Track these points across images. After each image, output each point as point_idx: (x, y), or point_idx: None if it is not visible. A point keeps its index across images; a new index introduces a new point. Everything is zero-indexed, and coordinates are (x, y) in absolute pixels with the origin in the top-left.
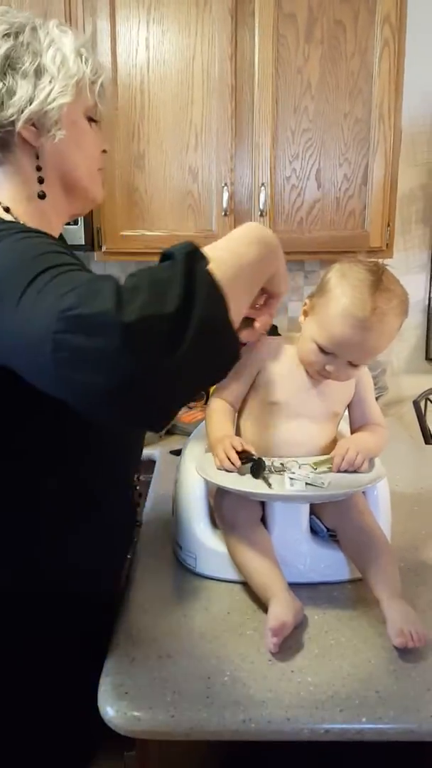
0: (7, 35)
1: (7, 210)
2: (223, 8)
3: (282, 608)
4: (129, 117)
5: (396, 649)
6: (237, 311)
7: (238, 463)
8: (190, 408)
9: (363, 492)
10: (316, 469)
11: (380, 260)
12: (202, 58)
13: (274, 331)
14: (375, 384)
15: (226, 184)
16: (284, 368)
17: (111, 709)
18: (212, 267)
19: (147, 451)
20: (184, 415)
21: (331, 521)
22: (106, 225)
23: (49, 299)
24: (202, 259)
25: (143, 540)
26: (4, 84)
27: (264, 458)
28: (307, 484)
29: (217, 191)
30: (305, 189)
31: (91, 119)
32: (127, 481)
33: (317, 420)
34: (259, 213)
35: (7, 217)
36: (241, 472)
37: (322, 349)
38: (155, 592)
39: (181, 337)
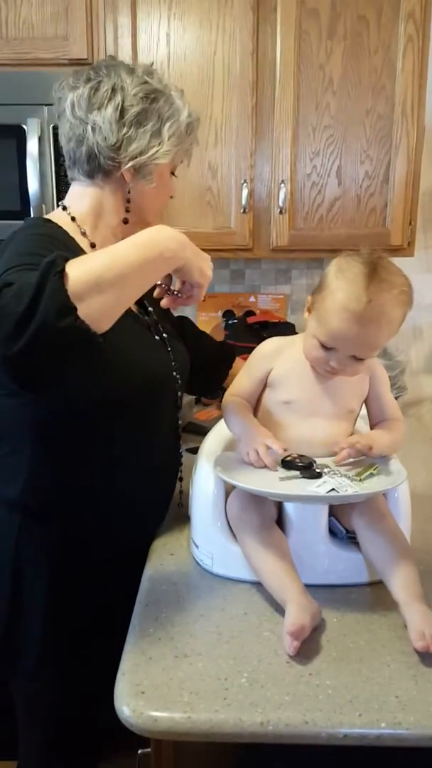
0: (146, 97)
1: (73, 219)
2: (244, 3)
3: (300, 611)
4: None
5: (417, 652)
6: (109, 301)
7: (273, 467)
8: (206, 405)
9: (383, 494)
10: (360, 479)
11: (382, 254)
12: (223, 54)
13: (291, 330)
14: (394, 384)
15: (245, 181)
16: (296, 367)
17: (127, 709)
18: (71, 271)
19: None
20: (200, 413)
21: (350, 523)
22: None
23: None
24: (57, 266)
25: (159, 538)
26: (128, 134)
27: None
28: (332, 489)
29: (236, 188)
30: (326, 186)
31: (172, 173)
32: (172, 429)
33: (333, 418)
34: (279, 210)
35: (68, 224)
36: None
37: (323, 345)
38: (171, 590)
39: (22, 332)
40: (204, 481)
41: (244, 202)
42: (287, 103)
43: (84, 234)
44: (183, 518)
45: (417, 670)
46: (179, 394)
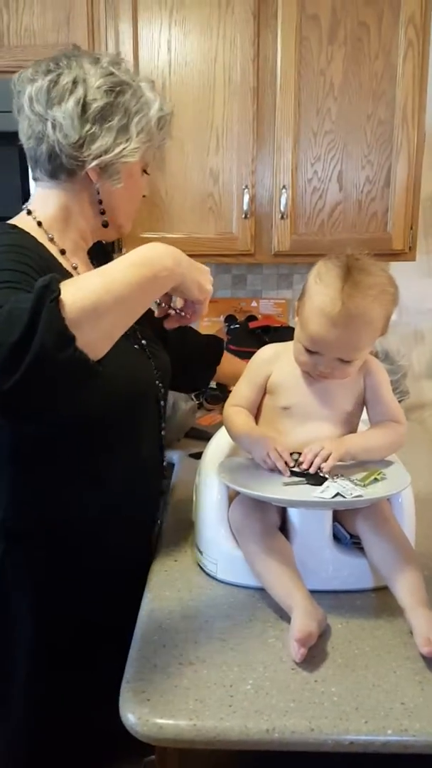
0: (111, 90)
1: (39, 224)
2: (245, 10)
3: (306, 617)
4: None
5: (423, 658)
6: (108, 327)
7: (287, 472)
8: (209, 411)
9: (387, 499)
10: (363, 484)
11: (360, 256)
12: (224, 60)
13: (293, 334)
14: (396, 388)
15: (246, 187)
16: (293, 372)
17: (132, 716)
18: (66, 297)
19: (166, 454)
20: (202, 418)
21: (355, 528)
22: None
23: None
24: (53, 292)
25: (163, 544)
26: (91, 130)
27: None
28: (337, 494)
29: (237, 194)
30: (327, 191)
31: (144, 171)
32: (156, 439)
33: (332, 420)
34: (280, 215)
35: (34, 229)
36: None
37: (307, 350)
38: (176, 597)
39: (18, 365)
40: (208, 488)
41: (245, 207)
42: (288, 109)
43: (52, 240)
44: (186, 524)
45: (423, 676)
46: (162, 403)
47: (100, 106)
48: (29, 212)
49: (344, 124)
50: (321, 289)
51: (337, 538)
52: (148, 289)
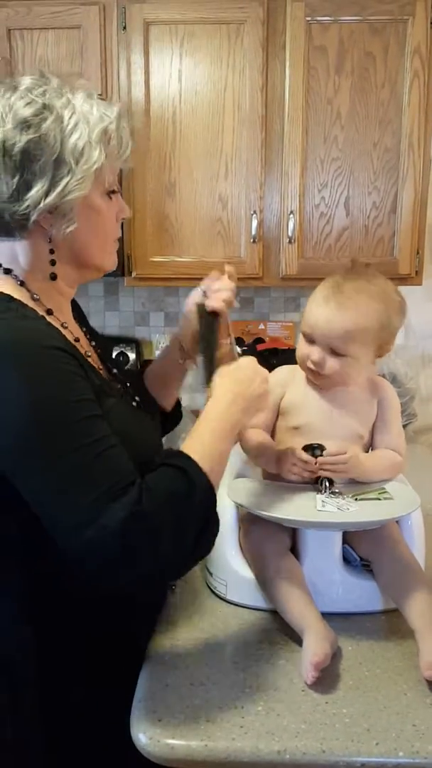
0: (27, 126)
1: (21, 284)
2: (254, 40)
3: (321, 640)
4: (161, 147)
5: (428, 682)
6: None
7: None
8: None
9: (396, 521)
10: (356, 499)
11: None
12: (234, 89)
13: None
14: (403, 411)
15: (255, 212)
16: (303, 392)
17: (144, 736)
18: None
19: None
20: None
21: (365, 550)
22: (136, 251)
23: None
24: (212, 494)
25: None
26: (21, 177)
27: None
28: (338, 509)
29: (246, 219)
30: (334, 216)
31: (111, 192)
32: None
33: (341, 442)
34: (288, 240)
35: (19, 293)
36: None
37: (305, 338)
38: (186, 618)
39: (191, 562)
40: (218, 508)
41: (253, 232)
42: (296, 137)
43: (38, 301)
44: None
45: None
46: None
47: (21, 147)
48: (6, 271)
49: (351, 152)
50: (327, 279)
51: (347, 560)
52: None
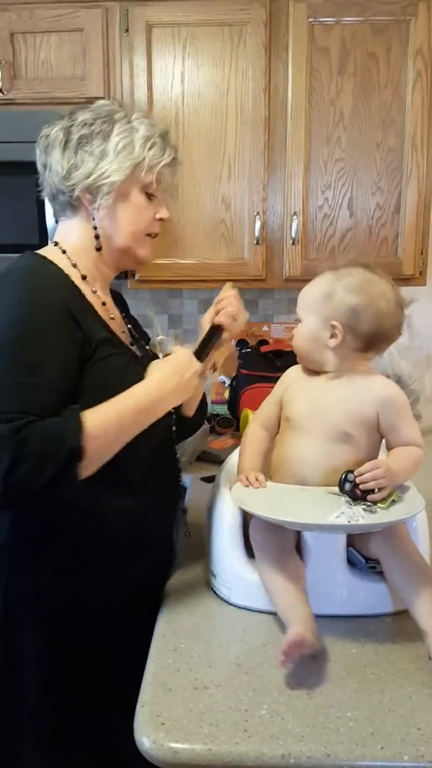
0: (92, 122)
1: (64, 252)
2: (257, 42)
3: (302, 625)
4: None
5: None
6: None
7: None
8: (220, 435)
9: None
10: (386, 507)
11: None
12: (236, 91)
13: None
14: None
15: (258, 213)
16: (298, 386)
17: (147, 740)
18: (89, 445)
19: None
20: (214, 442)
21: (373, 552)
22: None
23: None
24: (76, 457)
25: (177, 567)
26: (73, 159)
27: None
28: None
29: (249, 220)
30: (337, 217)
31: (149, 193)
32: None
33: (327, 439)
34: (291, 241)
35: (57, 257)
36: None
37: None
38: (189, 621)
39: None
40: (221, 512)
41: (257, 233)
42: (299, 138)
43: (75, 266)
44: (199, 548)
45: None
46: (174, 428)
47: (79, 136)
48: (56, 244)
49: (354, 152)
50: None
51: (352, 563)
52: (159, 410)
